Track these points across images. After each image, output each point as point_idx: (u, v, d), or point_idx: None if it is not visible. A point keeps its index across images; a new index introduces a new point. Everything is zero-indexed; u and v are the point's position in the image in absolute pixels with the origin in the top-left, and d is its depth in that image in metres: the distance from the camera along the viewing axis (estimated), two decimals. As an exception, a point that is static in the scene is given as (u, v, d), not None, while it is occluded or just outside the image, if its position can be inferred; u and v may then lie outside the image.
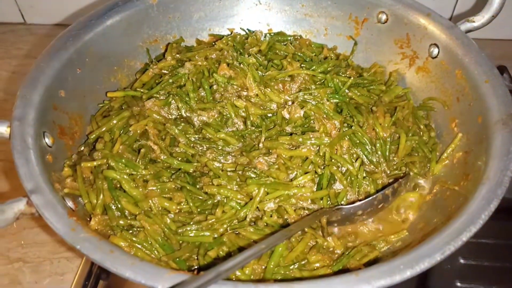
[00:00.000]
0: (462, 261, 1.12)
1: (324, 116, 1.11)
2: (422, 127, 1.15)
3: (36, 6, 1.77)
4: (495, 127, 0.94)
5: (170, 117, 1.14)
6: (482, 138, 0.96)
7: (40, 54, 1.05)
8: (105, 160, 0.98)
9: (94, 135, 1.08)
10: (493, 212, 0.80)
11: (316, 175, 1.03)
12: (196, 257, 0.90)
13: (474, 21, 1.14)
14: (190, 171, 1.04)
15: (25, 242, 1.18)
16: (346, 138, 1.07)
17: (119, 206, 0.95)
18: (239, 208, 0.97)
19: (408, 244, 0.95)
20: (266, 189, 0.97)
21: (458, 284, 1.08)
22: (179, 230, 0.93)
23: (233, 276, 0.85)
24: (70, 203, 0.89)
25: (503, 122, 0.93)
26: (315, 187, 1.01)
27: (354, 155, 1.07)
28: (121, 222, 0.92)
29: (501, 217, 0.85)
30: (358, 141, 1.08)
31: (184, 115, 1.15)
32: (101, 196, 0.94)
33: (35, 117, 0.92)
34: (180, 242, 0.93)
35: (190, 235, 0.92)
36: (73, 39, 1.10)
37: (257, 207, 0.97)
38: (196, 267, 0.88)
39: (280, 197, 0.97)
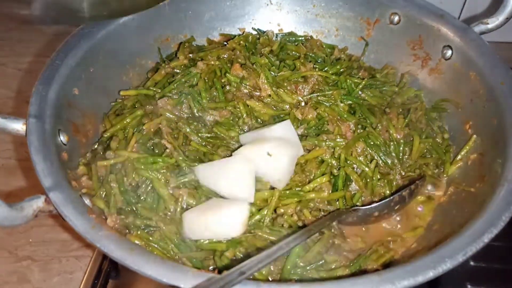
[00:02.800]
0: (472, 263, 1.11)
1: (338, 117, 1.11)
2: (435, 128, 1.15)
3: (43, 5, 1.76)
4: (511, 129, 0.94)
5: (183, 116, 1.14)
6: (498, 140, 0.96)
7: (50, 52, 1.05)
8: (121, 159, 0.98)
9: (108, 134, 1.08)
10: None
11: (332, 177, 1.03)
12: (212, 257, 0.90)
13: (488, 23, 1.14)
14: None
15: (34, 240, 1.18)
16: (361, 140, 1.07)
17: (133, 207, 0.95)
18: (254, 211, 0.97)
19: (424, 245, 0.95)
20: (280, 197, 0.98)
21: (469, 286, 1.07)
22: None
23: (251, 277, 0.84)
24: (87, 201, 0.89)
25: (520, 124, 0.93)
26: (331, 188, 1.02)
27: (369, 157, 1.07)
28: (137, 222, 0.92)
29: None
30: (372, 143, 1.08)
31: (196, 114, 1.14)
32: (112, 201, 0.94)
33: (51, 114, 0.92)
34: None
35: (205, 242, 0.93)
36: (86, 37, 1.10)
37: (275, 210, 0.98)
38: (212, 267, 0.88)
39: (299, 204, 0.98)
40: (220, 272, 0.68)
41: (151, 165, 0.98)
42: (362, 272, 0.85)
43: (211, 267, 0.88)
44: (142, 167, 0.97)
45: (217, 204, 0.93)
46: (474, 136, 1.07)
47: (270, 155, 0.98)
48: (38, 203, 0.79)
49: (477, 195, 0.94)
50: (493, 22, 1.14)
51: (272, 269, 0.89)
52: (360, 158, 1.06)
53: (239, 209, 0.91)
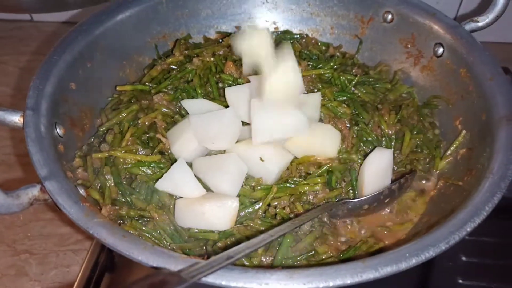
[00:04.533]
0: (464, 258, 1.13)
1: (333, 115, 1.12)
2: (426, 124, 1.17)
3: (44, 4, 1.78)
4: (499, 123, 0.95)
5: (178, 111, 1.15)
6: (486, 134, 0.98)
7: (49, 49, 1.06)
8: (118, 153, 1.00)
9: (104, 128, 1.09)
10: (495, 211, 0.81)
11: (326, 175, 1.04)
12: (204, 248, 0.91)
13: (478, 21, 1.15)
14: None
15: (31, 234, 1.19)
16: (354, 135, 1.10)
17: (128, 199, 0.97)
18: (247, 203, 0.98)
19: (412, 236, 0.97)
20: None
21: (460, 281, 1.09)
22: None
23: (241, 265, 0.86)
24: (82, 191, 0.90)
25: (507, 119, 0.94)
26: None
27: (362, 152, 1.08)
28: (131, 213, 0.93)
29: (503, 216, 0.86)
30: (365, 139, 1.10)
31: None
32: (107, 192, 0.96)
33: (48, 108, 0.94)
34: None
35: (195, 231, 0.94)
36: (84, 33, 1.12)
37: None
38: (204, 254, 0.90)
39: (293, 196, 1.00)
40: (209, 258, 0.70)
41: (139, 164, 1.00)
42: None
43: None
44: (130, 166, 1.00)
45: (208, 197, 0.94)
46: (464, 131, 1.08)
47: (262, 161, 0.99)
48: (34, 191, 0.80)
49: (464, 188, 0.95)
50: (483, 20, 1.15)
51: (263, 259, 0.90)
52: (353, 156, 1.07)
53: (227, 205, 0.92)
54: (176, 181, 0.94)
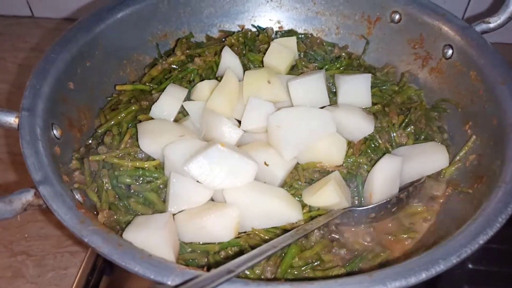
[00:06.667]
0: (470, 266, 1.11)
1: None
2: (434, 128, 1.14)
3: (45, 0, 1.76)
4: (511, 129, 0.92)
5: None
6: (497, 140, 0.95)
7: (48, 46, 1.04)
8: (114, 160, 0.97)
9: (102, 129, 1.07)
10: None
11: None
12: (205, 257, 0.89)
13: (490, 22, 1.12)
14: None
15: (29, 236, 1.17)
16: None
17: (126, 203, 0.94)
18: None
19: (419, 246, 0.94)
20: None
21: (467, 289, 1.06)
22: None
23: (243, 276, 0.83)
24: (78, 195, 0.88)
25: (519, 125, 0.91)
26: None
27: (369, 158, 1.06)
28: (130, 218, 0.91)
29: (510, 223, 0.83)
30: (373, 145, 1.07)
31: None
32: (104, 196, 0.93)
33: (44, 108, 0.92)
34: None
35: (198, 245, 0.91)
36: (83, 31, 1.09)
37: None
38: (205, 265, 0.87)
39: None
40: (210, 269, 0.67)
41: (134, 172, 0.97)
42: (357, 272, 0.84)
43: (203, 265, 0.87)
44: (125, 176, 0.96)
45: (208, 208, 0.90)
46: (474, 136, 1.06)
47: (267, 165, 0.96)
48: (27, 196, 0.78)
49: (474, 196, 0.93)
50: (495, 21, 1.12)
51: (267, 268, 0.88)
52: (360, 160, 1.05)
53: (228, 214, 0.88)
54: (182, 195, 0.90)
